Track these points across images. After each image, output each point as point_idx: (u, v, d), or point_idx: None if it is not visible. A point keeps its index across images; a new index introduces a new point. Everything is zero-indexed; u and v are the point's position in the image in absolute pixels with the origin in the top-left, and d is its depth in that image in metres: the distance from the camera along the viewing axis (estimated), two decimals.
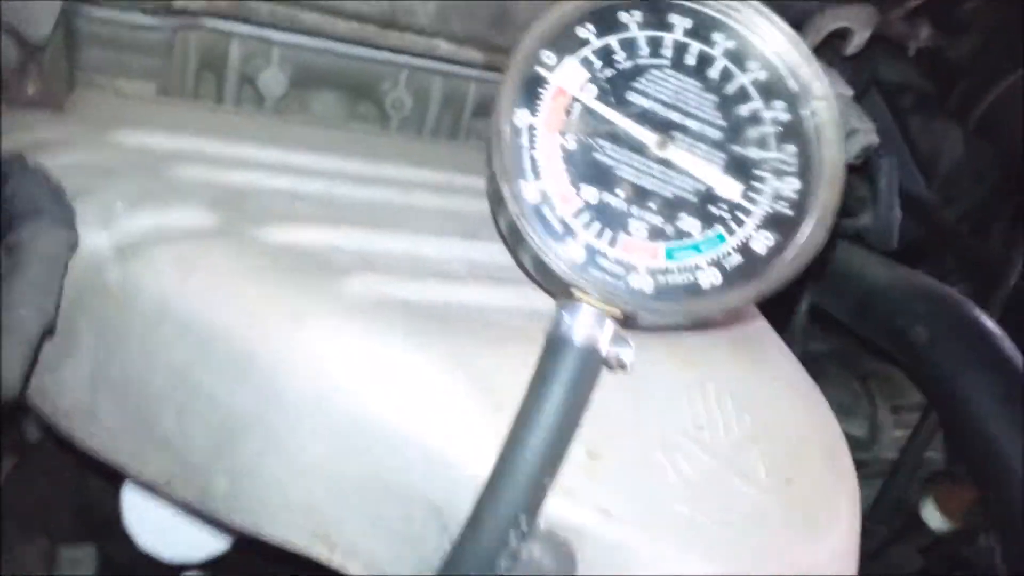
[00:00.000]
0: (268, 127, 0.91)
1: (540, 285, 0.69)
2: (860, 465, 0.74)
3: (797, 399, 0.73)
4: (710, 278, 0.60)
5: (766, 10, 0.65)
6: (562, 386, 0.57)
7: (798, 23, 1.06)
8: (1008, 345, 1.07)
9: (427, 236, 0.75)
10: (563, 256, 0.59)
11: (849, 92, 1.05)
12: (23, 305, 0.59)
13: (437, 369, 0.63)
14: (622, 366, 0.60)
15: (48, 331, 0.61)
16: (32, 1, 0.82)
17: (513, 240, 0.64)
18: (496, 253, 0.75)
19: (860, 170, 1.22)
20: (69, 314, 0.66)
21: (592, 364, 0.58)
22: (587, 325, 0.58)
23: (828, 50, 1.11)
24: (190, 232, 0.69)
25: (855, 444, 1.25)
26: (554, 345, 0.59)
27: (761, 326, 0.81)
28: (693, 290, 0.60)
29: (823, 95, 0.64)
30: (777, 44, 0.65)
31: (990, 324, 1.10)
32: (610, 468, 0.61)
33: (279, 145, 0.84)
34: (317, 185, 0.78)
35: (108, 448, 0.69)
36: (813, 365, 0.80)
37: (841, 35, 1.13)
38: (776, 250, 0.61)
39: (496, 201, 0.63)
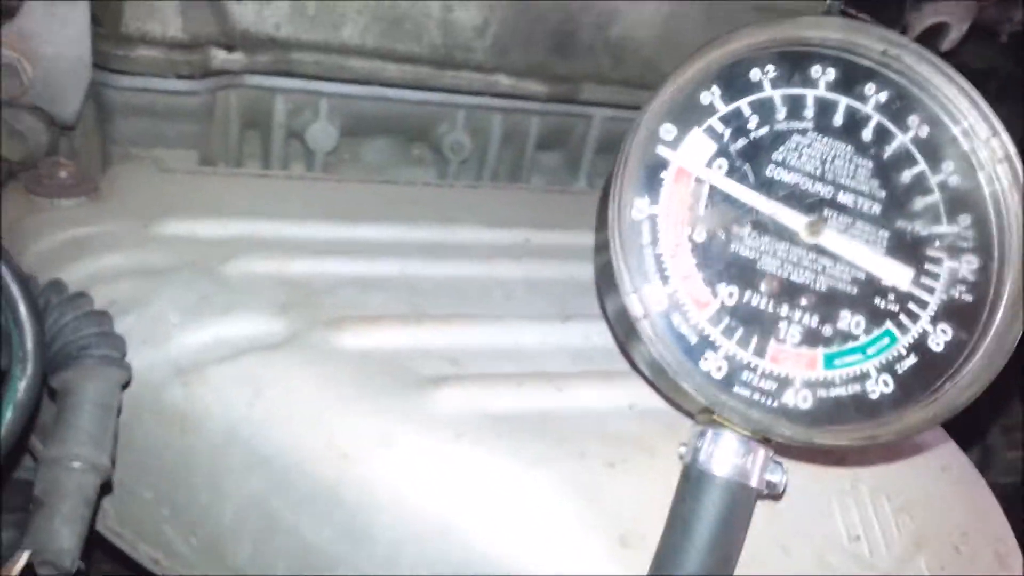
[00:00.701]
0: (323, 193, 0.82)
1: (667, 398, 0.59)
2: None
3: (957, 488, 0.64)
4: (880, 387, 0.50)
5: (927, 53, 0.53)
6: (708, 528, 0.48)
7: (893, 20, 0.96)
8: None
9: (520, 322, 0.66)
10: (701, 373, 0.49)
11: None
12: (77, 461, 0.51)
13: (550, 495, 0.55)
14: (774, 495, 0.51)
15: (106, 487, 0.54)
16: (58, 76, 0.74)
17: (627, 337, 0.55)
18: (594, 335, 0.67)
19: None
20: (126, 434, 0.59)
21: (743, 501, 0.49)
22: (733, 455, 0.49)
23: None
24: (256, 343, 0.61)
25: None
26: (694, 479, 0.49)
27: None
28: (862, 405, 0.50)
29: (1004, 155, 0.52)
30: (941, 93, 0.54)
31: None
32: None
33: (339, 215, 0.76)
34: (389, 266, 0.70)
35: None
36: None
37: (936, 30, 1.03)
38: (957, 348, 0.51)
39: (607, 285, 0.53)
